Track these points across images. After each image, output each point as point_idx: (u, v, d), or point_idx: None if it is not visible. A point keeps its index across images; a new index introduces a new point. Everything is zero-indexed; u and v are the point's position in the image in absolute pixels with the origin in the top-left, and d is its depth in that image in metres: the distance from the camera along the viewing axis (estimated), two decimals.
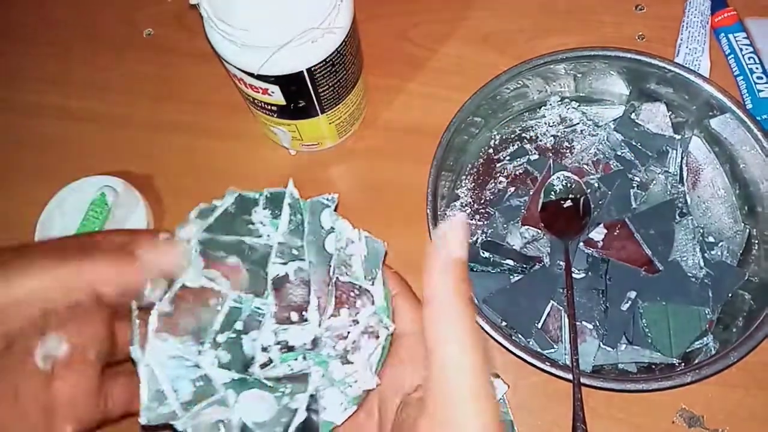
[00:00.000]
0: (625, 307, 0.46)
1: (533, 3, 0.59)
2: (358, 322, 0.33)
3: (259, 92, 0.44)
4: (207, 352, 0.32)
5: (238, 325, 0.32)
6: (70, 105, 0.57)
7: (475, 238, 0.49)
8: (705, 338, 0.45)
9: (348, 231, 0.34)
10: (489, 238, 0.49)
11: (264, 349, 0.32)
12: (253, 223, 0.34)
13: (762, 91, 0.53)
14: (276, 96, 0.44)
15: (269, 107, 0.46)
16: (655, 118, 0.51)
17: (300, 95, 0.44)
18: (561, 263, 0.47)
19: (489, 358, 0.27)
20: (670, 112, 0.51)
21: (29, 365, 0.29)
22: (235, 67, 0.42)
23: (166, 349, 0.31)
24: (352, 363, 0.32)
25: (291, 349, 0.32)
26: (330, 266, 0.34)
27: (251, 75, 0.42)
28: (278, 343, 0.32)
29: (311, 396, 0.32)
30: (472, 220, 0.50)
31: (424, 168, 0.47)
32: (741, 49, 0.55)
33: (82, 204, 0.49)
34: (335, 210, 0.34)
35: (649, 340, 0.45)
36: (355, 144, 0.54)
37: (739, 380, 0.44)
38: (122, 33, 0.60)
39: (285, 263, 0.33)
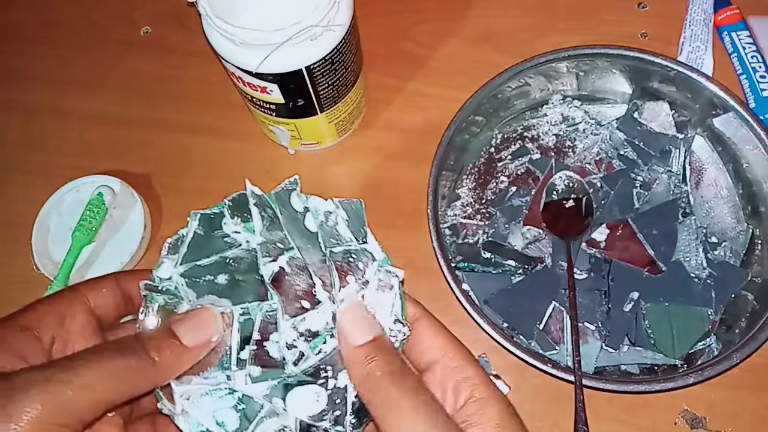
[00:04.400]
0: (627, 307, 0.46)
1: (535, 1, 0.58)
2: (368, 282, 0.33)
3: (257, 91, 0.44)
4: (236, 373, 0.32)
5: (256, 336, 0.32)
6: (68, 104, 0.57)
7: (476, 239, 0.49)
8: (708, 339, 0.44)
9: (322, 204, 0.34)
10: (490, 239, 0.49)
11: (290, 347, 0.32)
12: (228, 236, 0.34)
13: (765, 89, 0.52)
14: (275, 94, 0.43)
15: (268, 106, 0.46)
16: (658, 116, 0.51)
17: (299, 94, 0.44)
18: (563, 264, 0.46)
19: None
20: (673, 111, 0.51)
21: None
22: (233, 65, 0.41)
23: (195, 390, 0.31)
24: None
25: (316, 335, 0.32)
26: (319, 243, 0.34)
27: (250, 73, 0.41)
28: (301, 335, 0.32)
29: None
30: (473, 220, 0.50)
31: (424, 167, 0.47)
32: (744, 48, 0.54)
33: (80, 203, 0.49)
34: (300, 191, 0.35)
35: (652, 341, 0.45)
36: (355, 143, 0.54)
37: (742, 381, 0.44)
38: (120, 32, 0.60)
39: (274, 259, 0.33)
